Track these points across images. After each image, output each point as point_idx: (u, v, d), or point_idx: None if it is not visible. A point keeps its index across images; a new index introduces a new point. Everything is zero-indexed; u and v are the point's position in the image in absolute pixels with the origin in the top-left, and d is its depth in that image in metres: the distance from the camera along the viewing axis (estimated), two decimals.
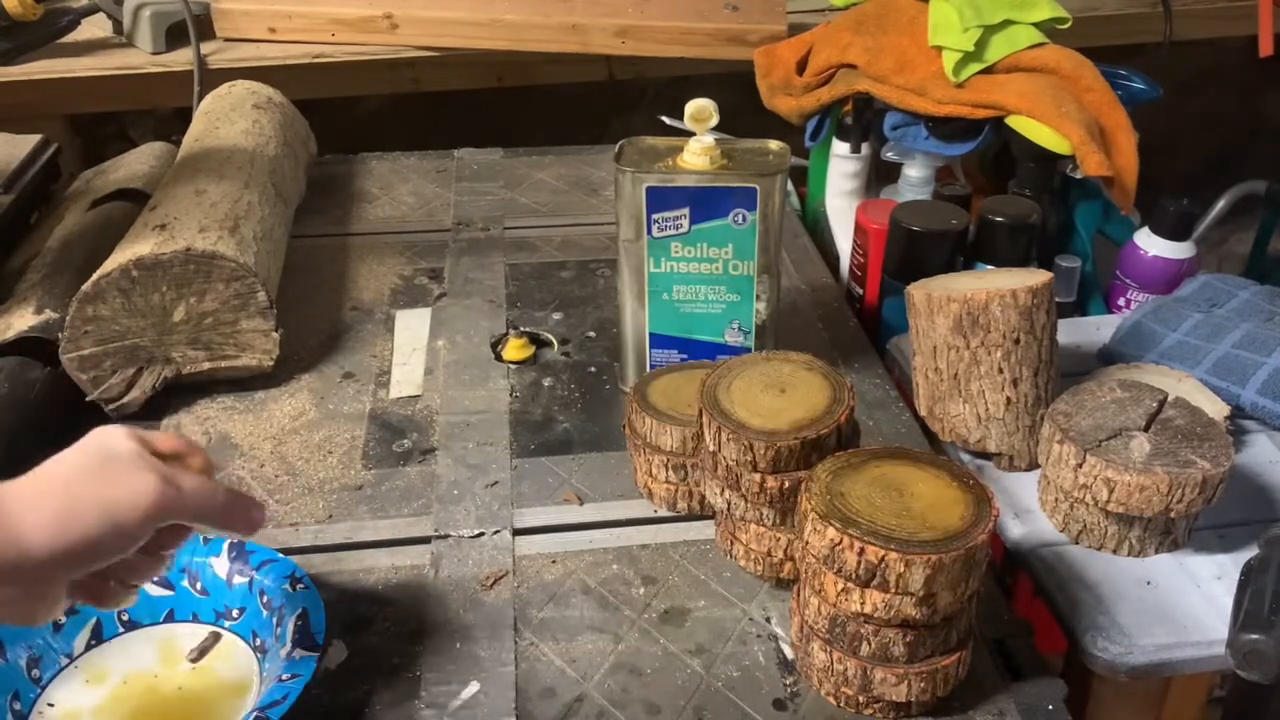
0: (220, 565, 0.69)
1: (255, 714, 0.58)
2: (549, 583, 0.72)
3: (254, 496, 0.59)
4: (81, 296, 0.83)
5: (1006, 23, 1.01)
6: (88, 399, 0.85)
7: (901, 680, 0.60)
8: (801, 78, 1.12)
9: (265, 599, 0.67)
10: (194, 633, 0.68)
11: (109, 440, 0.53)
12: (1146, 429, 0.73)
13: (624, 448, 0.83)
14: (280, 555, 0.69)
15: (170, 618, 0.68)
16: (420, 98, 1.48)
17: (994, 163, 1.19)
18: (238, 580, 0.68)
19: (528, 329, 0.97)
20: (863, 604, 0.58)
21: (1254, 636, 0.60)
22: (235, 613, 0.68)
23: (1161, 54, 1.49)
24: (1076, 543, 0.74)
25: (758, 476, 0.67)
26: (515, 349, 0.94)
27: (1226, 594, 0.69)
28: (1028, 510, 0.78)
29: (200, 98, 1.29)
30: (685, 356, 0.87)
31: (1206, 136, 2.03)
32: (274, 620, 0.66)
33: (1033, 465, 0.81)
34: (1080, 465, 0.71)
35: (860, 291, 1.08)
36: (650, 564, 0.73)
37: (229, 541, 0.69)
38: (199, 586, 0.69)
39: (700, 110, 0.79)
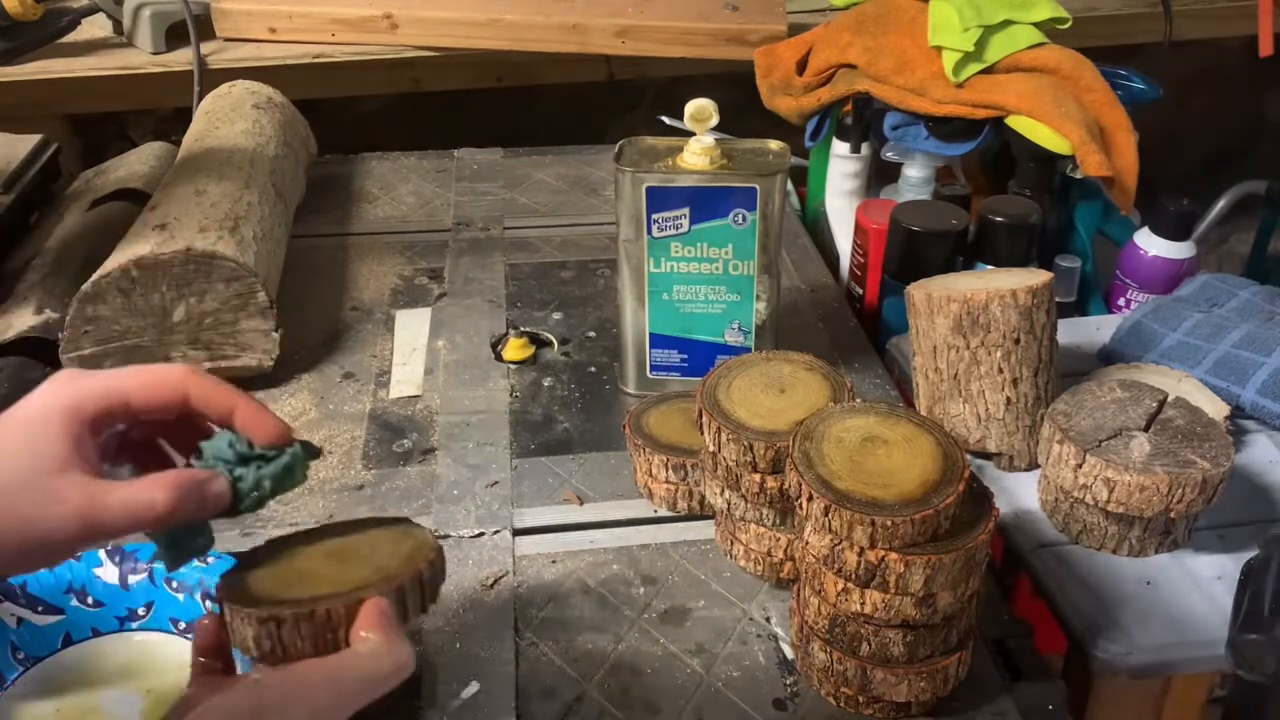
0: (108, 572, 0.65)
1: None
2: (549, 583, 0.72)
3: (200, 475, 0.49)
4: (81, 296, 0.83)
5: (1006, 23, 1.01)
6: None
7: (901, 680, 0.60)
8: (801, 78, 1.11)
9: (175, 584, 0.65)
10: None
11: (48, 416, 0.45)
12: (1146, 429, 0.73)
13: (624, 448, 0.83)
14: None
15: (68, 641, 0.65)
16: (420, 98, 1.48)
17: (994, 163, 1.19)
18: (134, 579, 0.65)
19: (528, 329, 0.97)
20: (863, 604, 0.58)
21: (1254, 636, 0.60)
22: (141, 611, 0.65)
23: (1161, 54, 1.49)
24: (1076, 543, 0.74)
25: (758, 477, 0.67)
26: (515, 349, 0.94)
27: (1226, 594, 0.69)
28: (1028, 510, 0.78)
29: (200, 98, 1.29)
30: (685, 356, 0.87)
31: (1206, 136, 2.03)
32: (197, 594, 0.64)
33: (1033, 465, 0.81)
34: (1080, 465, 0.71)
35: (860, 291, 1.08)
36: (650, 564, 0.73)
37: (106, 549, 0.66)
38: (90, 600, 0.65)
39: (700, 110, 0.79)
